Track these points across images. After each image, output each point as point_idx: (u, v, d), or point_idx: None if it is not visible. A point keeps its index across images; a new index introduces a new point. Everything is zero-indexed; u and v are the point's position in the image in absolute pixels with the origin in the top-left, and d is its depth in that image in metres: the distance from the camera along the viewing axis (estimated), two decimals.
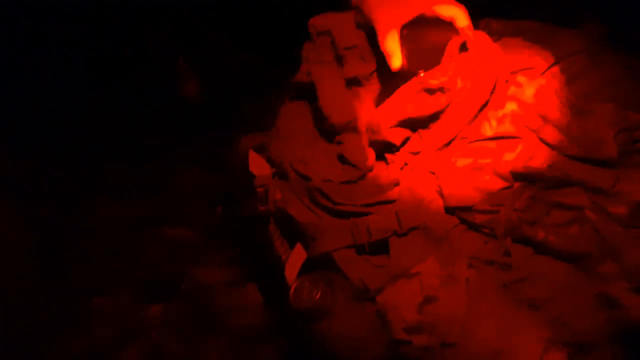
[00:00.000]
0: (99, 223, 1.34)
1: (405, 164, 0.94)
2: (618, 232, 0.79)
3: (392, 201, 0.89)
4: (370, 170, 0.91)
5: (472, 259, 0.81)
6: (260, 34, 1.40)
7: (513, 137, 0.89)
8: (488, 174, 0.88)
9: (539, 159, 0.86)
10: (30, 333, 1.15)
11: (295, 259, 0.90)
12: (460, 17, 0.91)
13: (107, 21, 1.42)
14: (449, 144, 0.93)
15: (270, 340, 1.14)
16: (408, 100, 0.91)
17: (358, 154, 0.92)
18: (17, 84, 1.38)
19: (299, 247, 0.90)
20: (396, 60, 0.92)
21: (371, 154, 0.93)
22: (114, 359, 1.13)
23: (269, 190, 0.94)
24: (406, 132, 0.94)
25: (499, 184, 0.87)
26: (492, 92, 0.92)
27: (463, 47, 0.93)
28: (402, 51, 0.92)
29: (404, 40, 0.92)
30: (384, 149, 0.94)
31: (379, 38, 0.93)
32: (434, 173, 0.92)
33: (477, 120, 0.92)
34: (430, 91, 0.90)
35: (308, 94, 0.99)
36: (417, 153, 0.94)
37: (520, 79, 0.92)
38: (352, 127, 0.94)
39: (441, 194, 0.88)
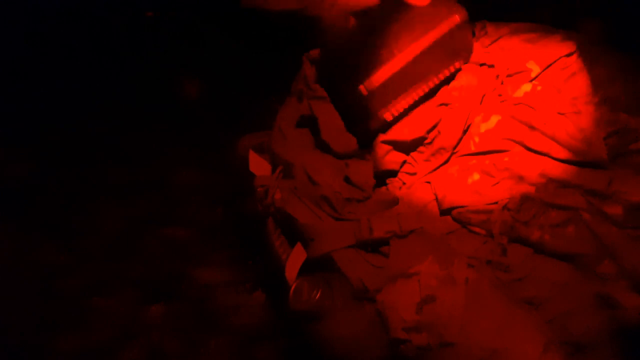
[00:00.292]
0: (99, 223, 1.34)
1: (403, 184, 0.95)
2: (614, 232, 0.80)
3: None
4: (372, 193, 0.93)
5: (470, 259, 0.82)
6: (259, 33, 1.40)
7: (499, 152, 0.89)
8: (478, 173, 0.88)
9: (529, 169, 0.87)
10: (31, 333, 1.15)
11: (295, 259, 0.90)
12: None
13: (107, 21, 1.42)
14: (440, 167, 0.94)
15: (270, 340, 1.14)
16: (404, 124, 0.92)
17: (364, 178, 0.93)
18: (16, 84, 1.38)
19: (298, 247, 0.90)
20: None
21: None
22: (114, 358, 1.13)
23: (269, 190, 0.94)
24: (402, 156, 0.95)
25: (490, 181, 0.87)
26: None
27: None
28: None
29: None
30: (385, 176, 0.96)
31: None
32: (429, 182, 0.93)
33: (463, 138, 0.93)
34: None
35: (310, 125, 0.99)
36: (414, 174, 0.95)
37: (507, 87, 0.92)
38: (357, 155, 0.95)
39: (436, 198, 0.89)
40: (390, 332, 0.77)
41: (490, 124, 0.90)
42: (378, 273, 0.83)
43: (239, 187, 1.12)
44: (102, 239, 1.31)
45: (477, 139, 0.91)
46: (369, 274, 0.83)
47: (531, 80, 0.91)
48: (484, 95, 0.93)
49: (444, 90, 0.94)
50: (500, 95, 0.92)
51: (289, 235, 0.94)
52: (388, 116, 0.92)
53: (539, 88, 0.90)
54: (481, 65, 0.95)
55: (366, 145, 0.96)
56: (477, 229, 0.85)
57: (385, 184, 0.96)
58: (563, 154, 0.85)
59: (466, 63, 0.95)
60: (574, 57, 0.90)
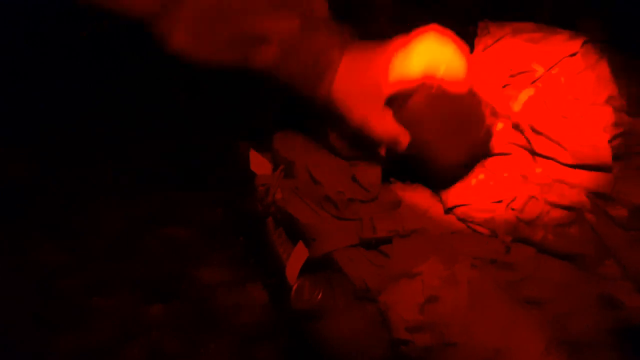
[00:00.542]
0: (99, 223, 1.34)
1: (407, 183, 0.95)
2: (618, 234, 0.79)
3: None
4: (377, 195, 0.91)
5: (473, 258, 0.81)
6: None
7: (503, 154, 0.89)
8: (483, 174, 0.88)
9: (533, 170, 0.87)
10: (31, 333, 1.15)
11: (296, 259, 0.90)
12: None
13: (106, 21, 1.42)
14: None
15: (270, 340, 1.14)
16: None
17: (370, 180, 0.90)
18: (16, 84, 1.38)
19: (300, 246, 0.90)
20: (404, 138, 0.78)
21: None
22: (114, 358, 1.13)
23: (270, 189, 0.94)
24: None
25: (494, 181, 0.87)
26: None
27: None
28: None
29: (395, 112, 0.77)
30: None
31: (365, 126, 0.77)
32: None
33: None
34: None
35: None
36: None
37: (509, 92, 0.92)
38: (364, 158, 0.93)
39: (440, 197, 0.89)
40: (392, 332, 0.77)
41: (497, 129, 0.90)
42: (380, 273, 0.82)
43: (239, 187, 1.12)
44: (102, 238, 1.31)
45: None
46: (371, 273, 0.83)
47: (534, 82, 0.91)
48: (488, 97, 0.92)
49: None
50: (504, 98, 0.92)
51: (290, 235, 0.94)
52: None
53: (536, 95, 0.90)
54: (484, 66, 0.95)
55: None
56: (480, 228, 0.85)
57: (389, 182, 0.95)
58: (569, 158, 0.84)
59: None
60: (578, 57, 0.90)
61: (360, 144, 0.87)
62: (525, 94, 0.89)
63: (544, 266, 0.80)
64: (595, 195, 0.82)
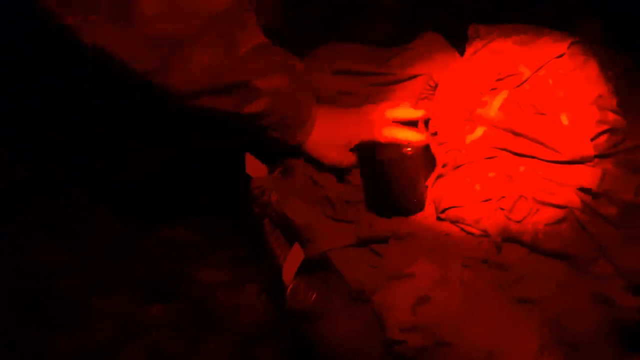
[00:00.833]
0: (99, 223, 1.34)
1: None
2: (609, 232, 0.80)
3: None
4: None
5: (465, 259, 0.82)
6: None
7: (487, 158, 0.90)
8: (469, 177, 0.89)
9: (519, 170, 0.87)
10: (31, 333, 1.15)
11: (292, 260, 0.90)
12: (414, 137, 0.89)
13: None
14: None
15: (270, 340, 1.14)
16: None
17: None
18: (16, 84, 1.38)
19: (296, 247, 0.91)
20: (420, 136, 0.91)
21: None
22: (116, 357, 1.14)
23: (265, 191, 0.94)
24: None
25: (482, 182, 0.87)
26: None
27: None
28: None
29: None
30: None
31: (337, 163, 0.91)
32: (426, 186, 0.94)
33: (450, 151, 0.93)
34: None
35: None
36: None
37: (489, 96, 0.92)
38: None
39: (432, 199, 0.90)
40: (386, 332, 0.77)
41: (476, 135, 0.91)
42: (375, 273, 0.83)
43: (239, 186, 1.12)
44: (102, 238, 1.31)
45: (463, 151, 0.91)
46: (366, 274, 0.83)
47: (520, 84, 0.91)
48: (473, 105, 0.93)
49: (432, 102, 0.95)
50: (484, 103, 0.92)
51: (286, 236, 0.94)
52: None
53: (520, 92, 0.90)
54: (472, 71, 0.96)
55: None
56: (472, 229, 0.85)
57: None
58: (550, 154, 0.85)
59: None
60: (566, 58, 0.90)
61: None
62: (500, 98, 0.90)
63: (536, 266, 0.80)
64: (584, 192, 0.82)
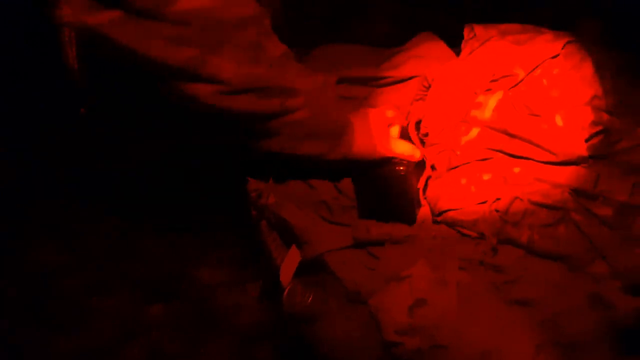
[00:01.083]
0: (99, 223, 1.34)
1: None
2: (605, 233, 0.80)
3: None
4: None
5: (462, 261, 0.82)
6: None
7: (482, 160, 0.90)
8: (465, 179, 0.89)
9: (513, 172, 0.87)
10: (31, 333, 1.15)
11: (289, 262, 0.91)
12: (411, 152, 0.92)
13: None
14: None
15: (270, 341, 1.14)
16: None
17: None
18: (16, 84, 1.38)
19: (293, 249, 0.91)
20: (415, 152, 0.93)
21: None
22: (116, 357, 1.14)
23: (262, 194, 0.95)
24: None
25: (477, 184, 0.88)
26: None
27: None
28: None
29: None
30: None
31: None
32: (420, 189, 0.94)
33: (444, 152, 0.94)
34: None
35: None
36: None
37: (484, 97, 0.92)
38: None
39: (428, 202, 0.90)
40: (383, 334, 0.78)
41: (471, 136, 0.91)
42: (371, 275, 0.83)
43: (240, 186, 1.12)
44: (102, 238, 1.31)
45: (458, 152, 0.91)
46: (363, 276, 0.84)
47: (515, 85, 0.91)
48: (468, 106, 0.93)
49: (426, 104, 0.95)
50: (479, 105, 0.92)
51: (283, 239, 0.95)
52: None
53: (515, 93, 0.90)
54: (468, 71, 0.95)
55: None
56: (468, 231, 0.85)
57: None
58: (545, 156, 0.85)
59: None
60: (561, 58, 0.90)
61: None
62: (494, 100, 0.90)
63: (532, 267, 0.81)
64: (578, 193, 0.82)
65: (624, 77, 0.91)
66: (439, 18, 1.18)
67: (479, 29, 0.99)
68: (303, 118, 0.82)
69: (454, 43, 1.03)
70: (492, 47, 0.95)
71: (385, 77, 1.02)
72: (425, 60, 1.02)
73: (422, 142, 0.96)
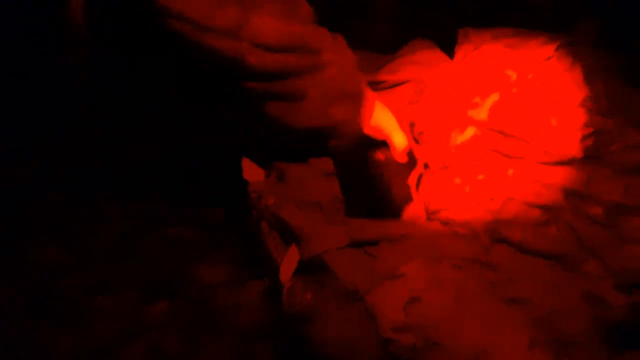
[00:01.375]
0: (99, 223, 1.34)
1: None
2: (597, 232, 0.81)
3: None
4: None
5: (456, 259, 0.83)
6: None
7: (476, 160, 0.90)
8: (459, 178, 0.89)
9: (507, 172, 0.88)
10: (31, 333, 1.15)
11: (288, 261, 0.91)
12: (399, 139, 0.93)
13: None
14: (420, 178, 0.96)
15: (269, 340, 1.14)
16: None
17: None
18: (16, 84, 1.38)
19: (293, 249, 0.92)
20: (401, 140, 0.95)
21: None
22: (116, 357, 1.13)
23: (262, 195, 0.95)
24: None
25: (471, 184, 0.88)
26: None
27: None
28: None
29: None
30: None
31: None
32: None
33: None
34: None
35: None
36: None
37: (477, 99, 0.93)
38: None
39: (423, 202, 0.91)
40: (379, 332, 0.78)
41: (466, 136, 0.92)
42: (368, 274, 0.84)
43: (240, 186, 1.12)
44: (103, 238, 1.31)
45: (453, 151, 0.92)
46: (360, 275, 0.85)
47: (509, 87, 0.92)
48: (462, 106, 0.94)
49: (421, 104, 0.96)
50: (475, 105, 0.93)
51: (283, 238, 0.95)
52: None
53: (511, 95, 0.91)
54: (462, 74, 0.96)
55: None
56: (462, 230, 0.86)
57: None
58: (539, 156, 0.86)
59: None
60: (554, 60, 0.91)
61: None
62: (491, 101, 0.91)
63: (526, 266, 0.81)
64: (571, 193, 0.83)
65: (617, 79, 0.91)
66: (439, 18, 1.18)
67: (472, 33, 1.00)
68: (333, 75, 0.85)
69: (451, 45, 1.03)
70: (486, 50, 0.96)
71: (382, 82, 1.04)
72: (421, 65, 1.03)
73: (416, 141, 0.97)
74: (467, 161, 0.91)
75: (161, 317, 1.19)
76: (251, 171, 1.00)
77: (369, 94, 0.91)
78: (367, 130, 0.92)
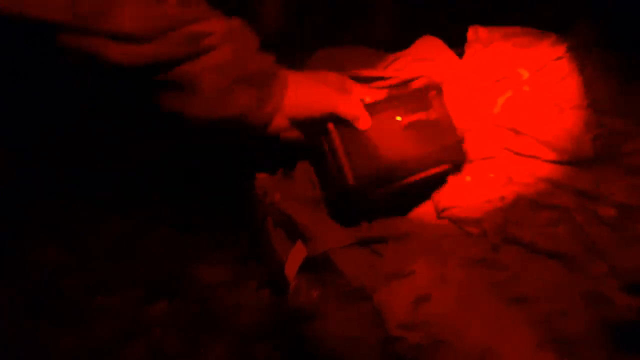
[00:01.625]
0: (99, 223, 1.34)
1: None
2: (605, 233, 0.81)
3: None
4: None
5: (464, 258, 0.83)
6: None
7: (487, 158, 0.91)
8: (470, 176, 0.90)
9: (518, 171, 0.88)
10: (31, 333, 1.15)
11: (294, 258, 0.91)
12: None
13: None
14: None
15: (270, 340, 1.14)
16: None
17: None
18: (16, 84, 1.38)
19: (298, 246, 0.92)
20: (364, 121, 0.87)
21: None
22: (116, 357, 1.13)
23: (268, 191, 0.95)
24: None
25: (482, 182, 0.88)
26: None
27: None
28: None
29: None
30: None
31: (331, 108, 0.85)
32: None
33: None
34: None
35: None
36: None
37: (491, 96, 0.94)
38: None
39: (433, 201, 0.91)
40: (386, 329, 0.78)
41: (477, 133, 0.92)
42: (374, 272, 0.84)
43: (240, 186, 1.12)
44: (103, 238, 1.31)
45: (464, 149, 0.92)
46: (367, 273, 0.85)
47: (520, 86, 0.92)
48: (473, 105, 0.94)
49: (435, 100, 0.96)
50: (487, 102, 0.93)
51: (288, 235, 0.95)
52: None
53: (523, 93, 0.91)
54: (472, 71, 0.97)
55: None
56: (470, 229, 0.86)
57: None
58: (550, 155, 0.86)
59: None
60: (564, 61, 0.92)
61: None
62: (504, 98, 0.91)
63: (533, 265, 0.81)
64: (581, 193, 0.83)
65: (625, 79, 0.92)
66: (439, 19, 1.19)
67: (482, 32, 1.00)
68: (227, 58, 0.75)
69: (456, 44, 1.04)
70: (496, 49, 0.96)
71: (390, 77, 1.03)
72: (429, 62, 1.03)
73: None
74: (477, 160, 0.91)
75: (161, 317, 1.19)
76: (257, 168, 1.01)
77: (283, 74, 0.82)
78: (290, 112, 0.84)
